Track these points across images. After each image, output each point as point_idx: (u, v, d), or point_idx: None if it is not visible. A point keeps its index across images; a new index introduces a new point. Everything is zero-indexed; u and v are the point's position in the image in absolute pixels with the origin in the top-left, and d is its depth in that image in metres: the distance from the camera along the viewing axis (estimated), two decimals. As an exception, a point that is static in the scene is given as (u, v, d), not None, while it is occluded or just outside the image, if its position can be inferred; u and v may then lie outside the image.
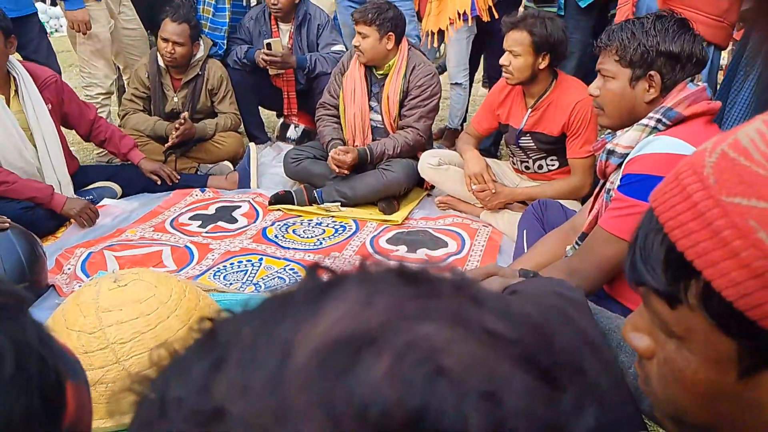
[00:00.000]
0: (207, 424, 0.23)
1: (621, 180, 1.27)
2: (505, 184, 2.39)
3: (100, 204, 2.47)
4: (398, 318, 0.25)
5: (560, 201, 2.03)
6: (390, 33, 2.48)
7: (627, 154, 1.30)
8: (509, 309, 0.28)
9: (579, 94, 2.17)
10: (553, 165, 2.36)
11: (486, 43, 3.08)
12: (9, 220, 1.77)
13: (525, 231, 1.90)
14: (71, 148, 2.66)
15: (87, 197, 2.45)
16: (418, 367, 0.23)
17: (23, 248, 1.73)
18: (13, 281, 1.71)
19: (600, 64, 1.40)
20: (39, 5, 7.16)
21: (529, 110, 2.27)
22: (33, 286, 1.78)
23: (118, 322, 1.46)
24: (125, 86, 3.12)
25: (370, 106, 2.62)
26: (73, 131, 2.60)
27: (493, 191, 2.29)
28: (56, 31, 6.85)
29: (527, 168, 2.42)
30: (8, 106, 2.24)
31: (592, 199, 1.47)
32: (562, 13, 2.68)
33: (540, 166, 2.38)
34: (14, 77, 2.25)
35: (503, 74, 2.20)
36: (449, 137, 3.23)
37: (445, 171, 2.43)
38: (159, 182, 2.60)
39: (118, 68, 3.18)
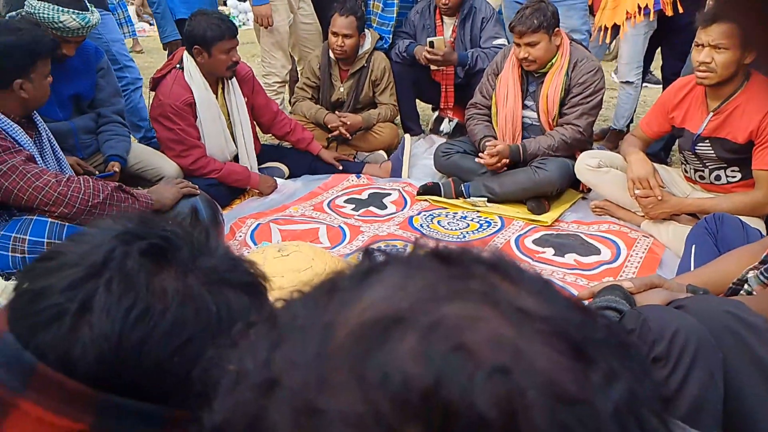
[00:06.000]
0: (265, 392, 0.26)
1: None
2: (673, 193, 2.19)
3: (269, 182, 2.73)
4: (428, 299, 0.27)
5: (740, 217, 1.81)
6: (557, 28, 2.39)
7: None
8: (546, 288, 0.29)
9: (776, 98, 1.91)
10: (734, 177, 2.11)
11: (665, 40, 2.83)
12: (198, 187, 2.04)
13: (694, 247, 1.73)
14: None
15: (261, 175, 2.73)
16: (440, 344, 0.25)
17: (208, 215, 1.99)
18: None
19: None
20: (231, 0, 8.04)
21: (711, 113, 2.04)
22: (212, 248, 2.03)
23: (279, 287, 1.60)
24: (298, 76, 3.40)
25: (525, 104, 2.56)
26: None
27: (659, 198, 2.10)
28: (244, 24, 7.63)
29: (701, 178, 2.18)
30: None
31: None
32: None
33: (717, 177, 2.14)
34: None
35: (699, 74, 1.95)
36: (612, 139, 3.03)
37: (605, 173, 2.29)
38: (341, 167, 2.80)
39: (293, 59, 3.47)
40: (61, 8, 2.07)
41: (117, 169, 2.30)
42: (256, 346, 0.29)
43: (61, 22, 2.08)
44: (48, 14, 2.07)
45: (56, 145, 1.95)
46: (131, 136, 2.65)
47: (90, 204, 1.72)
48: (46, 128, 1.93)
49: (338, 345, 0.26)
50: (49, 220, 1.72)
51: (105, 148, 2.37)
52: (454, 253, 0.30)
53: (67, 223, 1.73)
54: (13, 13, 2.17)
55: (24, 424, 0.37)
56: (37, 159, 1.78)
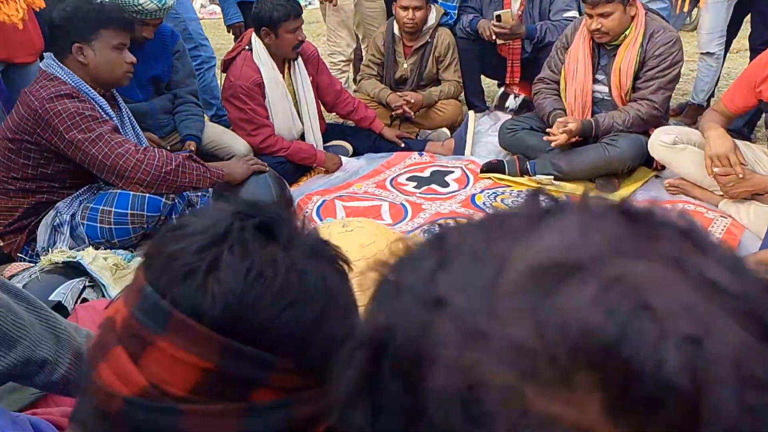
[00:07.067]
0: (430, 309, 0.26)
1: None
2: (755, 172, 2.06)
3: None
4: (611, 252, 0.26)
5: (832, 197, 1.69)
6: None
7: None
8: (739, 264, 0.27)
9: None
10: (827, 154, 1.95)
11: (753, 7, 2.63)
12: (267, 165, 2.13)
13: (777, 228, 1.63)
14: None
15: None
16: (623, 299, 0.23)
17: (276, 191, 2.07)
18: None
19: None
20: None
21: (804, 86, 1.89)
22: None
23: (344, 262, 1.68)
24: (363, 55, 3.42)
25: (596, 79, 2.45)
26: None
27: (741, 176, 1.98)
28: (310, 3, 7.71)
29: (790, 155, 2.04)
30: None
31: None
32: None
33: (808, 154, 1.99)
34: None
35: None
36: (690, 114, 2.87)
37: (680, 151, 2.18)
38: (403, 145, 2.83)
39: (358, 38, 3.49)
40: None
41: (193, 148, 2.42)
42: (420, 262, 0.29)
43: (139, 4, 2.20)
44: None
45: (135, 122, 2.08)
46: (204, 114, 2.77)
47: (164, 171, 1.83)
48: (126, 106, 2.06)
49: (513, 279, 0.26)
50: (132, 193, 1.85)
51: (181, 128, 2.50)
52: (641, 210, 0.29)
53: (147, 195, 1.85)
54: None
55: (160, 358, 0.45)
56: (119, 130, 1.91)
